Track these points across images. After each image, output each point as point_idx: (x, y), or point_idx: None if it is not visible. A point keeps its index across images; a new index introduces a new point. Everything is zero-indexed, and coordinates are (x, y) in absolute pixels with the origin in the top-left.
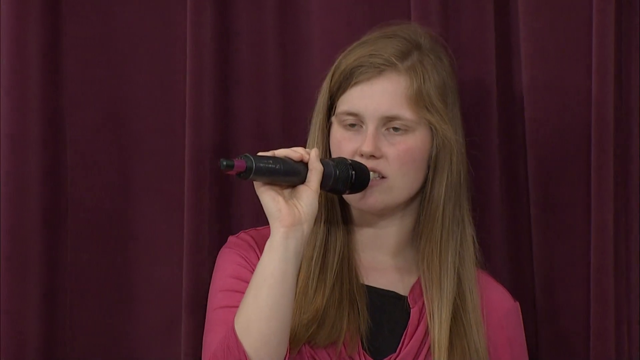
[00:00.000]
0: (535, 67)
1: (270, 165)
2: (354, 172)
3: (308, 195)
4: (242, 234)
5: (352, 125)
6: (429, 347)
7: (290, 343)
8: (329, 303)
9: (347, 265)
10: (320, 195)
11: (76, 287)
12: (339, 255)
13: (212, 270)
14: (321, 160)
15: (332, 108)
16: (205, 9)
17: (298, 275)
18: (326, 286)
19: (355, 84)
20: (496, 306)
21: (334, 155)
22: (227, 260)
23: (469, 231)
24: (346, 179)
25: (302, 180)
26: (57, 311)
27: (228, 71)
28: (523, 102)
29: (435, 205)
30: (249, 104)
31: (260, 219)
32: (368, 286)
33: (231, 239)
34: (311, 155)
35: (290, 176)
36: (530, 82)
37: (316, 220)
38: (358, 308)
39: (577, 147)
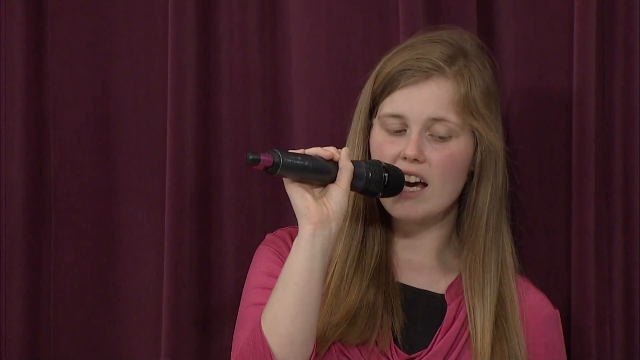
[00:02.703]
0: (518, 68)
1: (298, 162)
2: (387, 175)
3: (337, 193)
4: (278, 231)
5: (396, 130)
6: (464, 345)
7: (318, 342)
8: (362, 303)
9: (385, 267)
10: (358, 198)
11: (60, 288)
12: (376, 257)
13: (192, 270)
14: (352, 161)
15: (373, 110)
16: (187, 10)
17: (326, 273)
18: (361, 287)
19: (402, 87)
20: (535, 312)
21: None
22: (262, 257)
23: (509, 239)
24: (379, 181)
25: (333, 179)
26: (41, 312)
27: (209, 72)
28: (506, 103)
29: (479, 214)
30: (230, 105)
31: (240, 220)
32: (404, 285)
33: (268, 236)
34: (342, 154)
35: (319, 174)
36: (512, 83)
37: (354, 222)
38: (392, 306)
39: (558, 147)
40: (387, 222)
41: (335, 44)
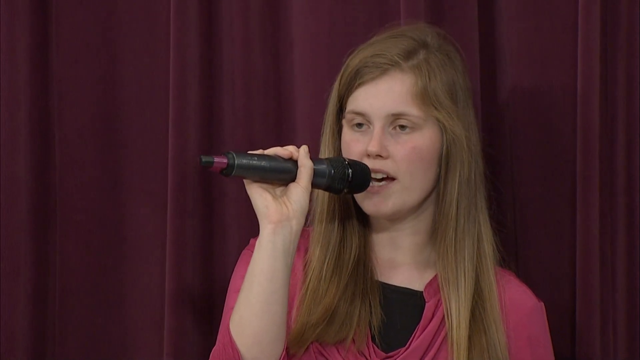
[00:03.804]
0: (521, 67)
1: (254, 163)
2: (350, 171)
3: (297, 192)
4: None
5: (360, 125)
6: (442, 342)
7: (297, 342)
8: (340, 302)
9: (363, 265)
10: (333, 197)
11: (65, 287)
12: (354, 255)
13: (195, 269)
14: (314, 158)
15: (342, 110)
16: (190, 10)
17: (305, 275)
18: (339, 286)
19: (360, 84)
20: (517, 305)
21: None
22: (243, 262)
23: (487, 229)
24: (342, 178)
25: (293, 178)
26: (46, 310)
27: (212, 72)
28: (508, 103)
29: (448, 204)
30: (232, 104)
31: (242, 219)
32: (383, 283)
33: (251, 240)
34: (300, 152)
35: (278, 173)
36: (516, 82)
37: (330, 222)
38: (370, 305)
39: (563, 148)
40: (364, 221)
41: (337, 44)
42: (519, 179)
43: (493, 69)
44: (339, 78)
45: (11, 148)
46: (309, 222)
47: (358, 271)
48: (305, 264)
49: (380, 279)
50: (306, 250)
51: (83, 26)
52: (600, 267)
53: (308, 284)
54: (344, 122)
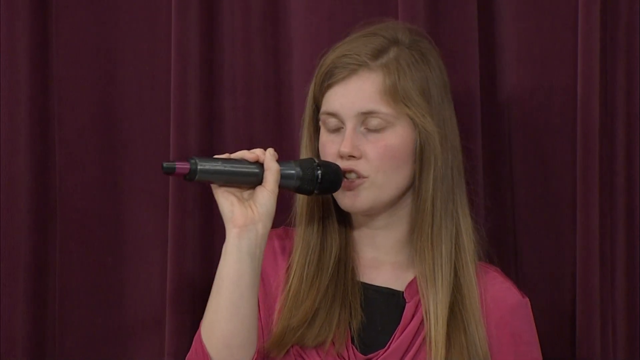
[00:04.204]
0: (521, 68)
1: (217, 167)
2: (320, 172)
3: (263, 195)
4: None
5: (334, 128)
6: (421, 342)
7: (277, 345)
8: (320, 305)
9: (344, 266)
10: (311, 199)
11: (65, 287)
12: (335, 257)
13: (195, 269)
14: (282, 161)
15: (318, 111)
16: (190, 10)
17: (288, 277)
18: (320, 288)
19: (331, 85)
20: (500, 301)
21: (323, 159)
22: None
23: (466, 225)
24: (312, 179)
25: (260, 181)
26: (46, 310)
27: (212, 72)
28: (508, 103)
29: (423, 200)
30: (233, 104)
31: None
32: (364, 283)
33: None
34: (266, 155)
35: (243, 177)
36: (515, 82)
37: (310, 224)
38: (351, 306)
39: (563, 147)
40: (345, 221)
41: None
42: (518, 179)
43: (493, 69)
44: (313, 79)
45: (11, 148)
46: (292, 223)
47: (339, 272)
48: (288, 267)
49: (362, 280)
50: (291, 252)
51: (83, 26)
52: (600, 267)
53: (290, 287)
54: (320, 123)
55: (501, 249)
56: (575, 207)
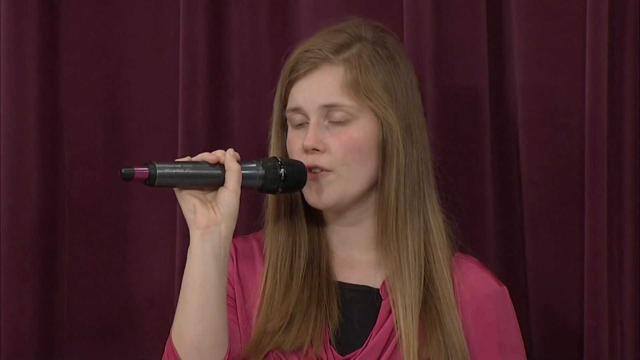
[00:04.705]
0: (529, 68)
1: (177, 171)
2: (283, 170)
3: (225, 196)
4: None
5: (299, 124)
6: (399, 339)
7: (254, 350)
8: (296, 309)
9: (318, 266)
10: (279, 201)
11: (73, 287)
12: (306, 258)
13: None
14: (243, 161)
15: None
16: (198, 10)
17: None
18: (294, 291)
19: (294, 80)
20: (477, 291)
21: (290, 156)
22: None
23: (436, 219)
24: (275, 178)
25: (222, 182)
26: (54, 310)
27: (221, 72)
28: (516, 103)
29: (387, 194)
30: (241, 104)
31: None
32: (340, 282)
33: None
34: (226, 156)
35: (204, 179)
36: (523, 83)
37: (278, 226)
38: (327, 307)
39: (571, 148)
40: (316, 221)
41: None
42: (526, 179)
43: (502, 69)
44: (279, 78)
45: (19, 148)
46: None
47: (313, 273)
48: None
49: (338, 279)
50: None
51: (91, 26)
52: (608, 267)
53: (265, 290)
54: (288, 123)
55: (509, 249)
56: (584, 207)
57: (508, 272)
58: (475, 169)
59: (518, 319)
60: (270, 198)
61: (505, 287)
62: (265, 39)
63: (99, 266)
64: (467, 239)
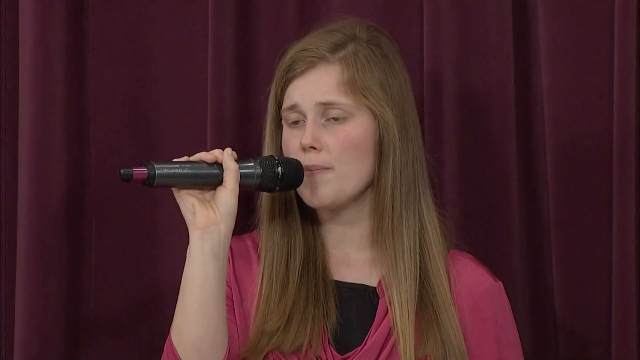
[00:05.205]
0: (556, 67)
1: (176, 171)
2: (280, 169)
3: (224, 195)
4: None
5: (296, 122)
6: (396, 336)
7: (253, 351)
8: (294, 309)
9: (314, 265)
10: (273, 201)
11: (100, 287)
12: (301, 257)
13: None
14: (241, 160)
15: (281, 109)
16: (227, 9)
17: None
18: (291, 291)
19: (290, 79)
20: (473, 288)
21: (286, 155)
22: None
23: (431, 217)
24: (273, 176)
25: (221, 182)
26: (81, 310)
27: (249, 71)
28: (543, 102)
29: (383, 191)
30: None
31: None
32: (337, 281)
33: None
34: (224, 155)
35: (202, 179)
36: (550, 82)
37: (273, 225)
38: (325, 307)
39: (599, 147)
40: (311, 220)
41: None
42: (553, 179)
43: (528, 68)
44: (274, 77)
45: (46, 148)
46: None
47: (309, 272)
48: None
49: (335, 278)
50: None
51: (118, 26)
52: (637, 268)
53: (262, 291)
54: (283, 122)
55: (535, 249)
56: (612, 207)
57: (534, 272)
58: (500, 169)
59: (544, 321)
60: (264, 198)
61: (500, 283)
62: (293, 37)
63: (124, 266)
64: (491, 239)
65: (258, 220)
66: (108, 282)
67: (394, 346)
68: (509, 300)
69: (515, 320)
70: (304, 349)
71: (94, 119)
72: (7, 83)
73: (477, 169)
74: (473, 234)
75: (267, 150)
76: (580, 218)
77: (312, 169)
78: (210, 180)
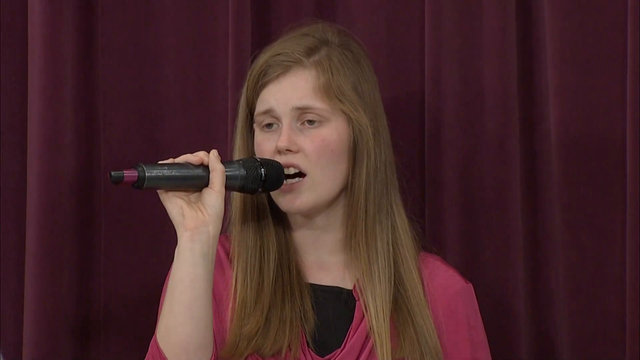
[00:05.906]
0: (564, 67)
1: (164, 173)
2: (263, 170)
3: (211, 197)
4: None
5: (270, 125)
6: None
7: (232, 355)
8: (271, 312)
9: (288, 269)
10: (244, 205)
11: (110, 287)
12: (275, 261)
13: None
14: (225, 161)
15: (252, 114)
16: (246, 10)
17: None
18: (266, 295)
19: (265, 84)
20: (445, 289)
21: None
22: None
23: (402, 221)
24: (256, 178)
25: (207, 183)
26: (91, 311)
27: None
28: (547, 103)
29: (357, 195)
30: None
31: None
32: (312, 284)
33: None
34: (210, 157)
35: (190, 180)
36: (558, 81)
37: (245, 229)
38: (302, 310)
39: (610, 148)
40: (283, 224)
41: (394, 44)
42: (561, 180)
43: (531, 68)
44: (245, 82)
45: (56, 148)
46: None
47: (283, 276)
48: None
49: (310, 281)
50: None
51: (128, 25)
52: None
53: (236, 295)
54: (255, 126)
55: (537, 250)
56: (625, 209)
57: (536, 273)
58: (502, 170)
59: (550, 321)
60: (236, 202)
61: (471, 285)
62: None
63: (133, 265)
64: (492, 240)
65: (228, 223)
66: (117, 281)
67: (372, 348)
68: (511, 301)
69: (516, 321)
70: (283, 351)
71: (103, 119)
72: (16, 83)
73: (478, 170)
74: (473, 234)
75: (239, 154)
76: (591, 220)
77: (288, 166)
78: (197, 182)
